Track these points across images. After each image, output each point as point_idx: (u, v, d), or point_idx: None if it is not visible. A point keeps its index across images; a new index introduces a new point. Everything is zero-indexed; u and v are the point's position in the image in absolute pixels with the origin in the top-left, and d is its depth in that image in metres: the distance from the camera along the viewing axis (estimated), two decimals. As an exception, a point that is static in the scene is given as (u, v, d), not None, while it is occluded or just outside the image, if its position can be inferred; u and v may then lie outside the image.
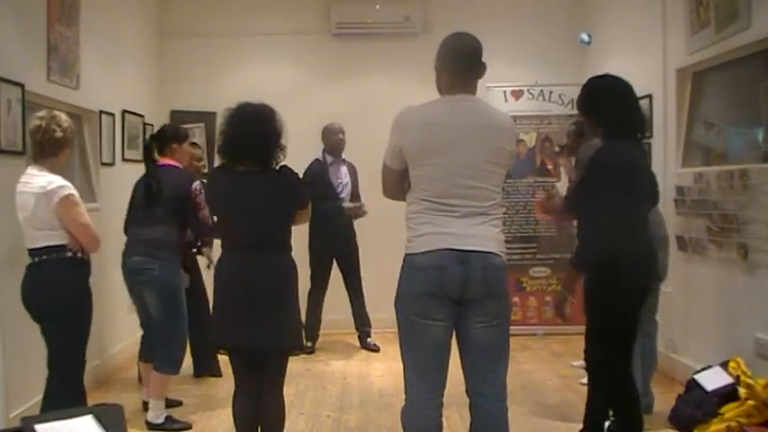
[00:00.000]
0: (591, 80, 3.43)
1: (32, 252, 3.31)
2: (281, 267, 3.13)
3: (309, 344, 5.95)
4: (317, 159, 5.95)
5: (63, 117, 3.41)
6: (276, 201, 3.10)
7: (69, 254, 3.30)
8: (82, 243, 3.34)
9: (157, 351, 4.12)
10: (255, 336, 3.02)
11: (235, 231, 3.14)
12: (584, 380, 3.97)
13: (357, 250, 6.05)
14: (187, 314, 4.18)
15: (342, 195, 5.95)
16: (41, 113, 3.39)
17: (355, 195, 6.03)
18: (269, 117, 3.12)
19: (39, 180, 3.27)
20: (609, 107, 3.25)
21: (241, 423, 3.19)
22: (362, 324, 6.11)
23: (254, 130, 3.06)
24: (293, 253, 3.20)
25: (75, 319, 3.34)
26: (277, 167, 3.15)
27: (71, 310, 3.31)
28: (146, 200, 4.07)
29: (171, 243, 4.06)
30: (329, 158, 6.00)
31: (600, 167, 3.16)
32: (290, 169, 3.18)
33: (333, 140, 5.99)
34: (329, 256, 6.00)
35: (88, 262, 3.43)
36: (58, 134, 3.33)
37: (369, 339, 6.09)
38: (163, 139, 4.25)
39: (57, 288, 3.28)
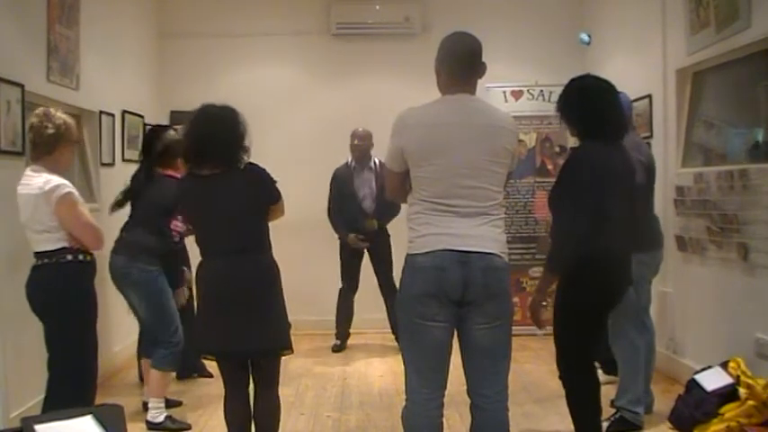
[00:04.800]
0: (570, 81, 3.41)
1: (35, 254, 3.29)
2: (261, 268, 3.07)
3: (339, 342, 6.04)
4: (345, 163, 5.96)
5: (58, 114, 3.32)
6: (246, 199, 3.04)
7: (70, 257, 3.24)
8: (84, 242, 3.28)
9: (152, 350, 4.13)
10: (241, 339, 2.99)
11: (210, 236, 3.07)
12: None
13: (389, 248, 5.85)
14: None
15: (363, 205, 5.86)
16: (37, 111, 3.33)
17: (380, 203, 5.74)
18: (231, 118, 3.07)
19: (36, 180, 3.22)
20: (581, 108, 3.28)
21: (233, 425, 3.18)
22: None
23: (216, 131, 3.01)
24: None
25: (76, 323, 3.28)
26: (241, 167, 3.07)
27: (71, 314, 3.26)
28: (123, 199, 4.19)
29: (151, 246, 4.04)
30: (353, 164, 5.96)
31: (573, 169, 3.20)
32: (256, 165, 3.10)
33: (350, 146, 5.93)
34: (358, 252, 5.95)
35: (92, 263, 3.37)
36: (50, 131, 3.24)
37: None
38: (171, 155, 4.17)
39: (56, 292, 3.24)
